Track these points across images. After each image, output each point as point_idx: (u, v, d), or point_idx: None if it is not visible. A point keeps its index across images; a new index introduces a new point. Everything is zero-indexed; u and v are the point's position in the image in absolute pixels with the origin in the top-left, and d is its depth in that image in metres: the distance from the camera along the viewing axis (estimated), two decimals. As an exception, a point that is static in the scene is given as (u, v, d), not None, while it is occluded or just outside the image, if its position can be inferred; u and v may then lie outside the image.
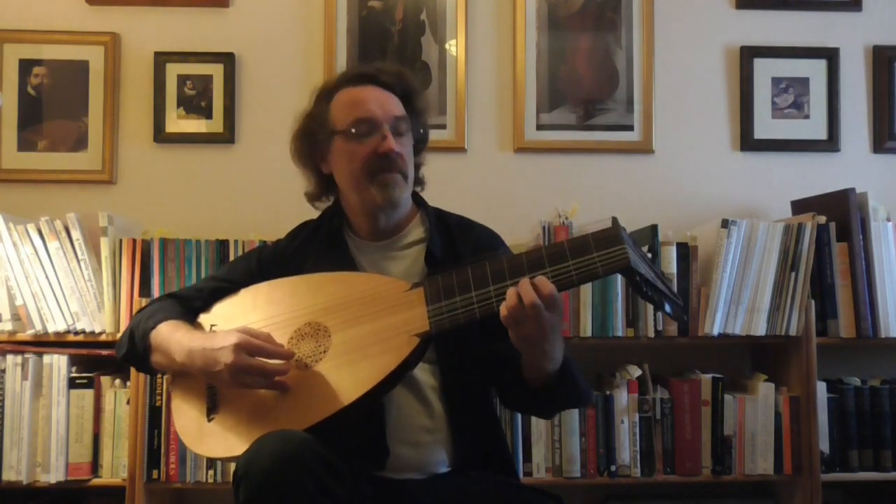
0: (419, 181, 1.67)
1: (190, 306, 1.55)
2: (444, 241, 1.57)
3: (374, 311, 1.39)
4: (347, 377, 1.33)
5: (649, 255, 2.05)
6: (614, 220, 1.33)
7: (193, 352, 1.37)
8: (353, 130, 1.51)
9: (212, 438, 1.40)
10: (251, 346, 1.33)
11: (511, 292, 1.28)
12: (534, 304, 1.26)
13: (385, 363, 1.33)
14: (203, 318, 1.54)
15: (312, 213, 1.70)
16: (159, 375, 2.04)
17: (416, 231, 1.60)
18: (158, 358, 1.47)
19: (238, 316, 1.48)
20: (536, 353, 1.34)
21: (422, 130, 1.62)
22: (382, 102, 1.54)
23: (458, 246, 1.57)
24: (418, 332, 1.34)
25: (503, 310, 1.28)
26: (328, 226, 1.61)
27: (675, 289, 1.40)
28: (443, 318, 1.34)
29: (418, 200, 1.65)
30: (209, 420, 1.41)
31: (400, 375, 1.35)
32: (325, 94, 1.59)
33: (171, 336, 1.43)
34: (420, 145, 1.64)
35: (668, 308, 1.33)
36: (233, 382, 1.34)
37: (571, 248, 1.31)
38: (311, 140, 1.59)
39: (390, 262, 1.56)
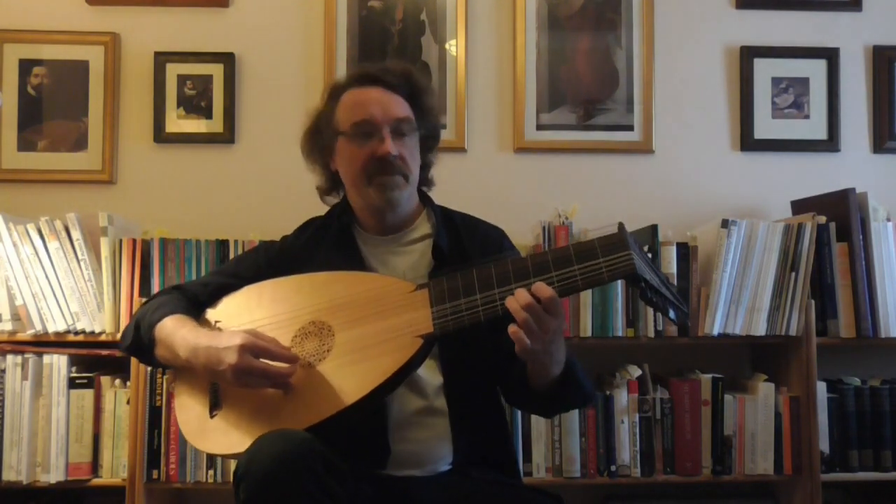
0: (427, 181, 1.68)
1: (195, 301, 1.54)
2: (451, 237, 1.58)
3: (379, 311, 1.39)
4: (350, 377, 1.34)
5: (649, 255, 2.05)
6: (621, 225, 1.33)
7: (198, 349, 1.37)
8: (354, 133, 1.52)
9: (214, 435, 1.40)
10: (256, 348, 1.33)
11: (514, 306, 1.28)
12: (531, 315, 1.27)
13: (388, 364, 1.33)
14: (208, 314, 1.53)
15: (312, 212, 1.70)
16: (159, 375, 2.04)
17: (423, 227, 1.61)
18: (162, 352, 1.46)
19: (243, 313, 1.48)
20: (541, 360, 1.36)
21: (430, 129, 1.62)
22: (384, 104, 1.53)
23: (464, 243, 1.57)
24: (422, 334, 1.34)
25: (515, 330, 1.28)
26: (338, 222, 1.61)
27: (676, 292, 1.41)
28: (447, 320, 1.34)
29: (424, 197, 1.65)
30: (212, 416, 1.41)
31: (403, 376, 1.35)
32: (335, 93, 1.60)
33: (176, 331, 1.43)
34: (430, 142, 1.64)
35: (672, 314, 1.35)
36: (236, 382, 1.34)
37: (577, 253, 1.31)
38: (319, 137, 1.61)
39: (397, 257, 1.56)
